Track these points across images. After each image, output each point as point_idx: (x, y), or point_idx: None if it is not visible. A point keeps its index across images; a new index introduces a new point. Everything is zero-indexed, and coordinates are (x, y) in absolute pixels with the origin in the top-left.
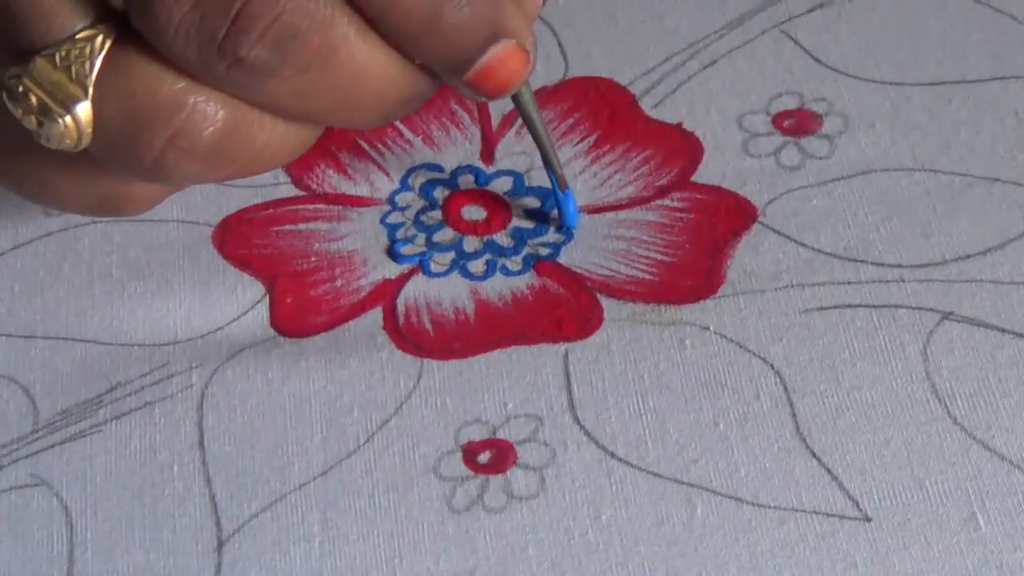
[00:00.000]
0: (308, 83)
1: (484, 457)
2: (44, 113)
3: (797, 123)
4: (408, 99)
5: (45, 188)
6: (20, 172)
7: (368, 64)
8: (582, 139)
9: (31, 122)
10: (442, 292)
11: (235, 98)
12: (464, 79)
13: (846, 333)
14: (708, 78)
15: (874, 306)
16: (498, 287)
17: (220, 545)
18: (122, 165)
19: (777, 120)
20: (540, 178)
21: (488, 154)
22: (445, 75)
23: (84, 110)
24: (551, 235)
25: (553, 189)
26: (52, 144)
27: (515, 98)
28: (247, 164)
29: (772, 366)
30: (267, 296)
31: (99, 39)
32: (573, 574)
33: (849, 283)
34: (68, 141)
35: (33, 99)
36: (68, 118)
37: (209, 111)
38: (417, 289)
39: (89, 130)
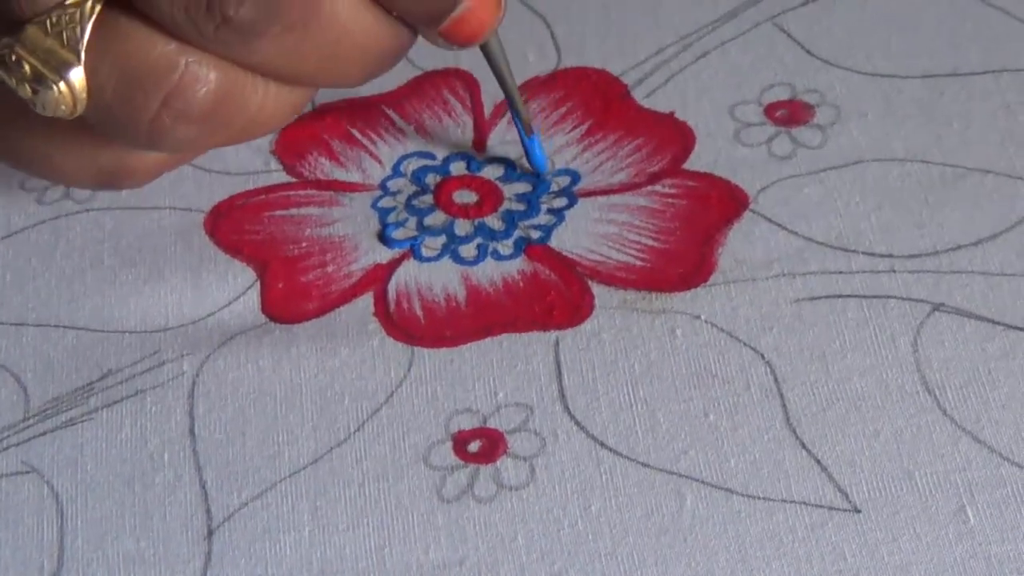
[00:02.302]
0: (294, 42)
1: (474, 446)
2: (38, 81)
3: (789, 113)
4: (388, 54)
5: (44, 161)
6: (19, 145)
7: (350, 20)
8: (574, 127)
9: (25, 91)
10: (433, 278)
11: (226, 60)
12: (439, 31)
13: (837, 324)
14: (700, 69)
15: (865, 296)
16: (489, 272)
17: (210, 533)
18: (118, 130)
19: (769, 110)
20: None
21: (480, 143)
22: (420, 27)
23: (78, 76)
24: (542, 217)
25: (519, 135)
26: (48, 112)
27: (483, 45)
28: (242, 128)
29: (762, 356)
30: (258, 282)
31: (88, 4)
32: (562, 564)
33: (840, 273)
34: (63, 108)
35: (26, 67)
36: (62, 84)
37: (201, 73)
38: (408, 274)
39: (84, 96)
